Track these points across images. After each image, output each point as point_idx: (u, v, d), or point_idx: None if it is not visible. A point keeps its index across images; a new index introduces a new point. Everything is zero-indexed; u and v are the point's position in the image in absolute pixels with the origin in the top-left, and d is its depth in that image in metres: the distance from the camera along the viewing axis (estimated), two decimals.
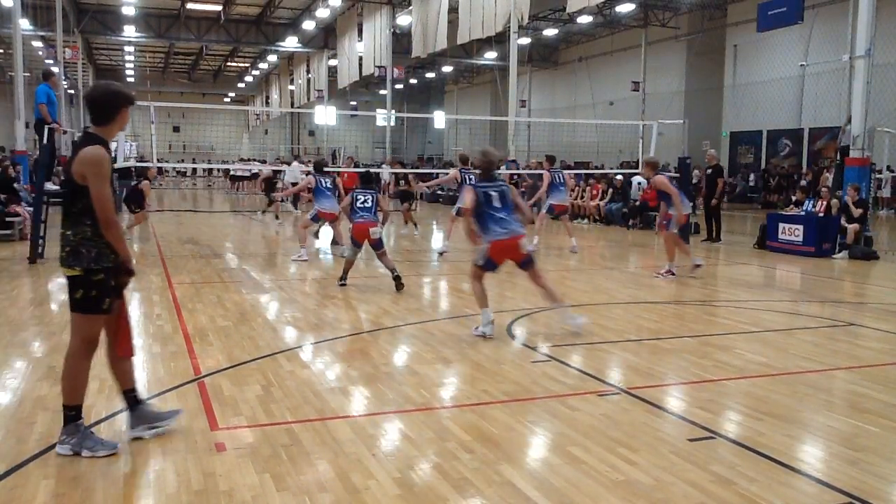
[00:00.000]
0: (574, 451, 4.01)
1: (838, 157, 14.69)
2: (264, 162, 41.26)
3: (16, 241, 13.30)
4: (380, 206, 9.36)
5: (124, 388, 4.15)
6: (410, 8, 31.24)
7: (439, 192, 30.10)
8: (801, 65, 25.41)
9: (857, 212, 13.16)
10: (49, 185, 11.93)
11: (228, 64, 52.62)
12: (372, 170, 15.09)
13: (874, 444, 4.21)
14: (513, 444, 4.12)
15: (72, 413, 3.93)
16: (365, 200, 9.26)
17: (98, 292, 3.87)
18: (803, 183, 17.21)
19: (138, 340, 6.41)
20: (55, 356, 5.82)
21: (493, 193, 6.77)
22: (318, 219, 12.06)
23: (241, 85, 57.17)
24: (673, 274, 10.35)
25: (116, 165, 15.59)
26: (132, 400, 4.14)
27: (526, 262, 6.90)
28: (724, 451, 4.07)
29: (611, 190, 20.13)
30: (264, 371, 5.48)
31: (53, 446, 3.98)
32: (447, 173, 15.54)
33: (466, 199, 6.82)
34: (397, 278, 9.05)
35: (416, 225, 16.51)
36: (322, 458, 3.87)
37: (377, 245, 9.13)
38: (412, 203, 18.00)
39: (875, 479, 3.72)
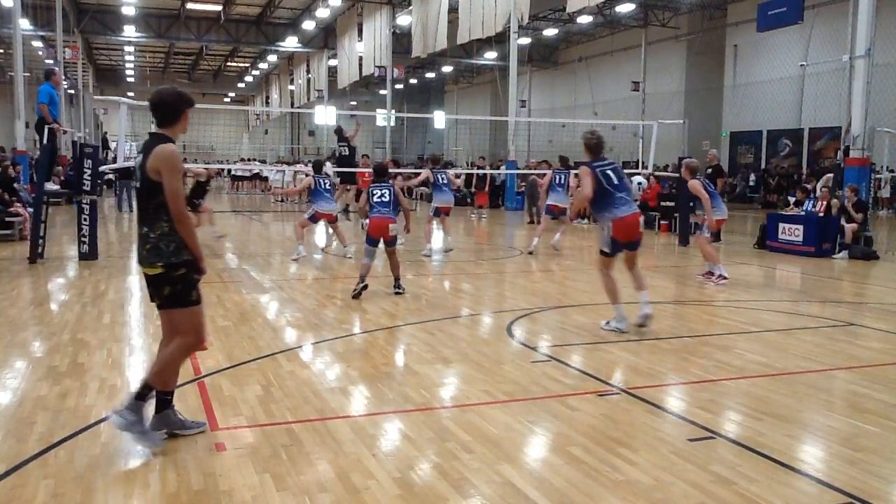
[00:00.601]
0: (574, 451, 4.01)
1: (838, 158, 14.69)
2: (263, 162, 41.17)
3: (16, 241, 13.31)
4: (399, 202, 8.69)
5: (163, 388, 4.12)
6: (410, 8, 31.24)
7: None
8: (801, 65, 25.40)
9: (857, 217, 13.13)
10: (49, 185, 11.93)
11: (228, 64, 52.61)
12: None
13: (874, 444, 4.21)
14: (513, 444, 4.12)
15: (165, 398, 4.02)
16: (382, 195, 8.64)
17: (183, 286, 3.98)
18: (809, 186, 17.20)
19: (138, 340, 6.43)
20: (55, 356, 5.84)
21: (610, 172, 6.78)
22: (316, 219, 12.00)
23: (241, 85, 57.16)
24: (725, 277, 9.96)
25: (116, 165, 15.67)
26: (164, 403, 4.11)
27: (638, 243, 6.93)
28: (724, 451, 4.07)
29: None
30: (264, 371, 5.48)
31: (53, 446, 3.98)
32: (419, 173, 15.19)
33: (586, 182, 6.67)
34: (398, 286, 8.78)
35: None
36: (322, 458, 3.87)
37: (391, 242, 8.63)
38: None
39: (875, 479, 3.72)
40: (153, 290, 4.02)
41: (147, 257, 3.93)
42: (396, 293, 8.69)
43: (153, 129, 4.08)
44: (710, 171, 15.59)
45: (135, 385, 5.09)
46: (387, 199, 8.63)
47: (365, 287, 8.51)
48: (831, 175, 16.53)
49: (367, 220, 8.71)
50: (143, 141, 4.09)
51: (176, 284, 3.95)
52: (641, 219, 6.78)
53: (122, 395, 4.87)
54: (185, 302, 4.00)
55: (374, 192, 8.69)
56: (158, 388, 4.04)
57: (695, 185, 10.17)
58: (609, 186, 6.68)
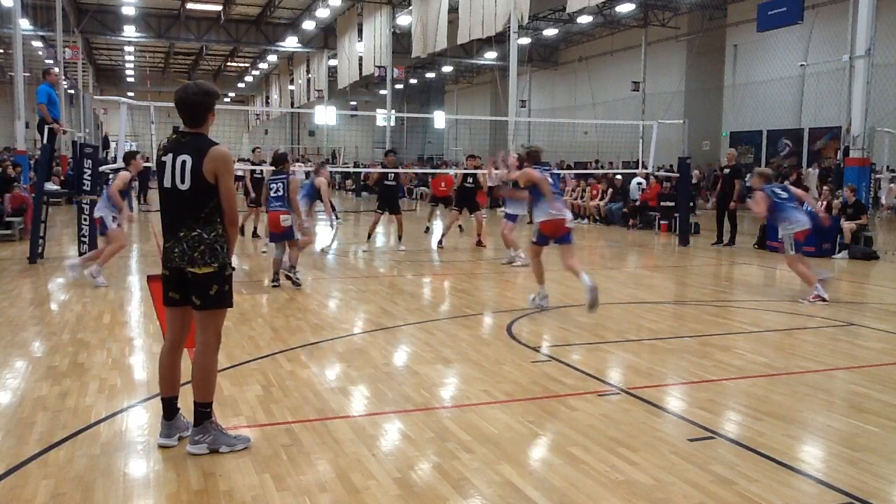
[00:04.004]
0: (574, 451, 4.01)
1: (838, 158, 14.68)
2: (263, 162, 41.06)
3: (16, 241, 13.31)
4: (290, 197, 9.01)
5: (171, 394, 4.08)
6: (410, 8, 31.22)
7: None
8: (801, 65, 25.39)
9: (852, 226, 13.07)
10: (49, 185, 11.93)
11: (228, 64, 52.58)
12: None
13: (874, 444, 4.21)
14: (513, 444, 4.12)
15: (206, 411, 3.96)
16: (277, 189, 8.94)
17: (229, 286, 3.99)
18: (803, 176, 17.16)
19: (138, 340, 6.43)
20: (55, 356, 5.84)
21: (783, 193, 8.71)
22: (543, 239, 9.98)
23: (241, 85, 57.12)
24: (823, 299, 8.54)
25: (116, 165, 15.66)
26: (173, 409, 4.08)
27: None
28: (724, 451, 4.07)
29: (611, 190, 20.13)
30: (264, 371, 5.48)
31: (53, 446, 3.98)
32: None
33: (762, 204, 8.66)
34: (275, 280, 8.96)
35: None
36: (322, 458, 3.87)
37: (284, 235, 8.91)
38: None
39: (875, 479, 3.72)
40: (197, 291, 3.90)
41: (200, 258, 3.88)
42: (274, 286, 8.98)
43: (183, 128, 3.97)
44: (727, 171, 15.26)
45: (135, 384, 5.12)
46: (280, 192, 8.90)
47: (277, 280, 8.99)
48: (816, 171, 16.49)
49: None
50: (174, 140, 3.95)
51: (224, 284, 3.95)
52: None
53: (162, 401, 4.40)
54: (228, 302, 4.00)
55: (271, 185, 8.99)
56: (208, 399, 3.98)
57: (759, 197, 8.77)
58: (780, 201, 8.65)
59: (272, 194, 9.00)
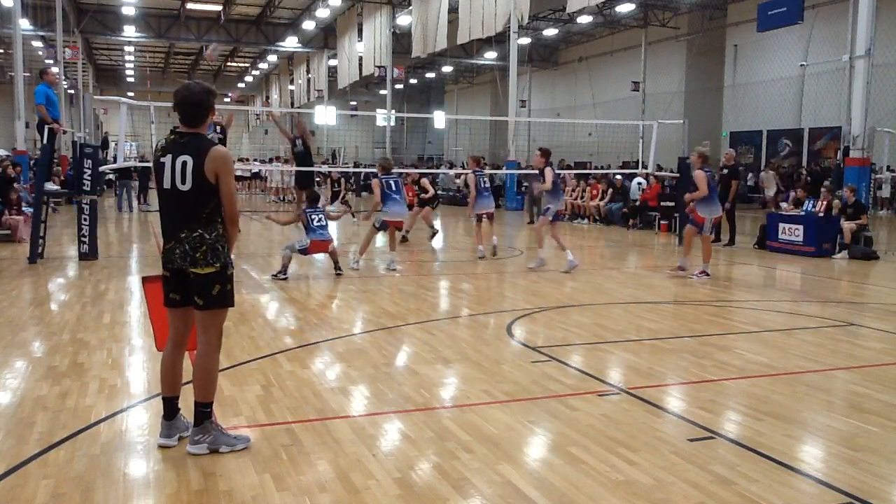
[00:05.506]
0: (574, 451, 4.01)
1: (838, 158, 14.70)
2: (265, 162, 41.05)
3: (16, 241, 13.30)
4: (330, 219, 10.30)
5: (172, 394, 4.07)
6: (410, 8, 31.24)
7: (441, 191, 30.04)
8: (801, 65, 25.42)
9: (852, 226, 13.05)
10: (49, 185, 11.92)
11: (228, 64, 52.62)
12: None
13: (874, 444, 4.21)
14: (513, 444, 4.12)
15: (206, 411, 3.96)
16: (320, 219, 9.92)
17: (231, 286, 4.00)
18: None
19: (138, 340, 6.43)
20: (55, 356, 5.83)
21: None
22: (384, 227, 10.77)
23: (241, 85, 57.15)
24: (707, 274, 10.39)
25: (116, 165, 15.68)
26: (174, 409, 4.07)
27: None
28: (724, 451, 4.07)
29: (611, 190, 20.12)
30: (264, 371, 5.48)
31: (53, 446, 3.98)
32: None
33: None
34: (339, 269, 10.04)
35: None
36: (322, 458, 3.87)
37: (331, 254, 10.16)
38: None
39: (875, 479, 3.72)
40: (200, 291, 3.90)
41: (202, 259, 3.87)
42: (338, 274, 9.98)
43: (180, 128, 3.94)
44: (725, 171, 15.21)
45: (135, 384, 5.12)
46: (324, 222, 9.93)
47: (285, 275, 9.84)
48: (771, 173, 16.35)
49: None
50: (172, 141, 3.92)
51: (226, 284, 3.95)
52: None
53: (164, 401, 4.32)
54: (230, 302, 3.99)
55: (313, 217, 9.90)
56: (209, 398, 3.98)
57: (699, 176, 10.32)
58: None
59: (315, 224, 9.95)
